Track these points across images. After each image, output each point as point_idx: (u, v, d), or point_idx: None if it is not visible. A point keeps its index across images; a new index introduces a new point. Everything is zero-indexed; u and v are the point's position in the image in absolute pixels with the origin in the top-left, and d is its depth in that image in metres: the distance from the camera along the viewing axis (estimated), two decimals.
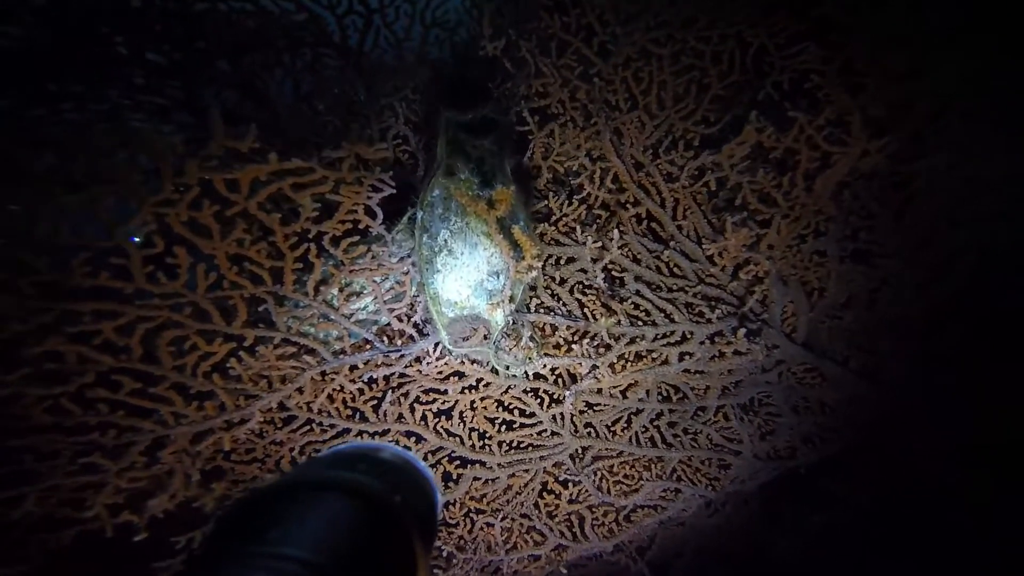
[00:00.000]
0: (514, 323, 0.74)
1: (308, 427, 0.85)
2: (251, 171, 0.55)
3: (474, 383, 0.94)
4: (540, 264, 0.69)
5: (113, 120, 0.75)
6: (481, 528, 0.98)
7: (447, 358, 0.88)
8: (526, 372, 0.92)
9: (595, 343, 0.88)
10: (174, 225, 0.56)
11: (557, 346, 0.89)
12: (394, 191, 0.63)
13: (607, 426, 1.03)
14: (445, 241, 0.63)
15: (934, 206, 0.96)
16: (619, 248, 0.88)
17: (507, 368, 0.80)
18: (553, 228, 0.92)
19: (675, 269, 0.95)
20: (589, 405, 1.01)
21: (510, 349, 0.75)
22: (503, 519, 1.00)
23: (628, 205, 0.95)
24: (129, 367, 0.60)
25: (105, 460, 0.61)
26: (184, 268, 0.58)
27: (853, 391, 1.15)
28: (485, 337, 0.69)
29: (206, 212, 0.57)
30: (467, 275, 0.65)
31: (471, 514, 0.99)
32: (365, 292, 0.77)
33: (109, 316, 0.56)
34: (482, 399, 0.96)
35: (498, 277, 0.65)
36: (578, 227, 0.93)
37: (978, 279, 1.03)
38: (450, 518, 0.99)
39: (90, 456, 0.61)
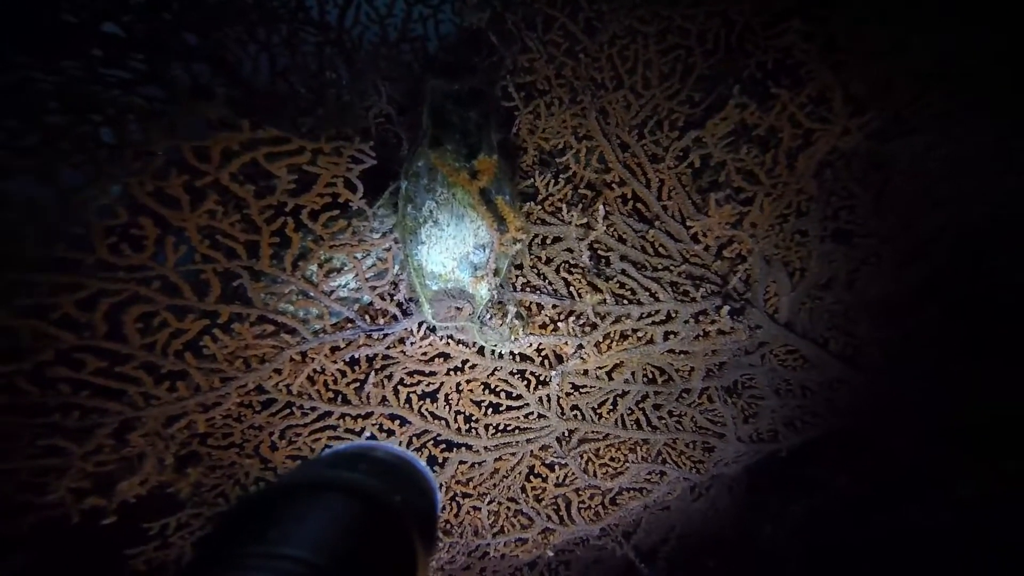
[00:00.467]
0: (499, 299, 0.74)
1: (288, 410, 0.83)
2: (222, 139, 0.54)
3: (459, 364, 0.94)
4: (525, 237, 0.69)
5: (67, 90, 0.72)
6: (468, 512, 0.99)
7: (431, 338, 0.88)
8: (512, 353, 0.92)
9: (581, 322, 0.88)
10: (138, 195, 0.54)
11: (543, 325, 0.90)
12: (375, 163, 0.62)
13: (593, 408, 1.05)
14: (430, 212, 0.63)
15: (914, 186, 0.99)
16: (605, 227, 0.89)
17: (493, 344, 0.80)
18: (539, 207, 0.92)
19: (660, 249, 0.96)
20: (575, 387, 1.02)
21: (495, 325, 0.75)
22: (490, 503, 1.00)
23: (614, 185, 0.96)
24: (93, 344, 0.58)
25: (68, 443, 0.58)
26: (151, 240, 0.57)
27: (833, 374, 1.18)
28: (470, 313, 0.68)
29: (174, 182, 0.55)
30: (452, 247, 0.65)
31: (457, 498, 1.00)
32: (346, 269, 0.76)
33: (67, 289, 0.54)
34: (468, 381, 0.96)
35: (484, 250, 0.65)
36: (564, 207, 0.93)
37: (955, 260, 1.07)
38: None
39: (51, 438, 0.59)
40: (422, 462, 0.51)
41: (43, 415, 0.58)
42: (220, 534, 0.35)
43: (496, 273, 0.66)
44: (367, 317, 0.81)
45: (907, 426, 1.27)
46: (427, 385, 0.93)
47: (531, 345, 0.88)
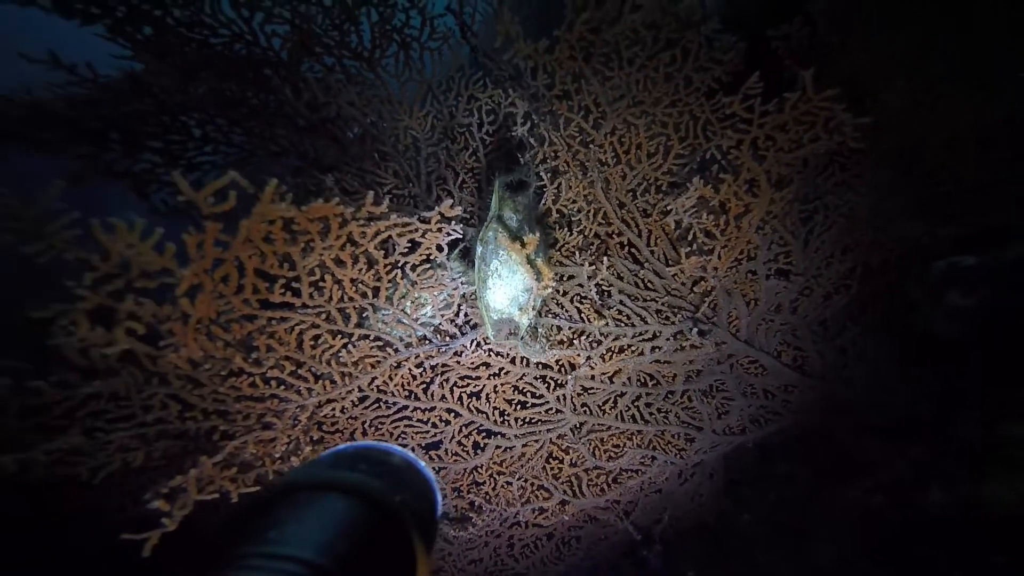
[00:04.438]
0: (534, 325, 1.20)
1: (376, 404, 1.26)
2: (380, 225, 0.99)
3: (497, 371, 1.38)
4: (553, 285, 1.15)
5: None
6: (502, 486, 1.42)
7: (479, 352, 1.32)
8: (537, 363, 1.37)
9: (590, 339, 1.34)
10: (327, 261, 0.98)
11: (561, 342, 1.35)
12: (460, 237, 1.07)
13: (599, 405, 1.50)
14: (496, 268, 1.08)
15: (830, 235, 1.48)
16: (607, 269, 1.36)
17: (530, 356, 1.25)
18: (558, 253, 1.39)
19: (648, 284, 1.43)
20: (585, 389, 1.47)
21: (532, 343, 1.20)
22: (518, 479, 1.44)
23: (614, 235, 1.43)
24: (289, 355, 1.00)
25: (275, 419, 1.00)
26: (329, 288, 1.00)
27: (786, 380, 1.66)
28: (514, 333, 1.13)
29: (347, 252, 0.99)
30: (508, 292, 1.10)
31: (494, 475, 1.43)
32: (427, 303, 1.20)
33: (284, 321, 0.96)
34: (502, 384, 1.40)
35: (527, 293, 1.10)
36: (577, 252, 1.39)
37: (864, 290, 1.57)
38: (478, 478, 1.42)
39: (266, 417, 1.01)
40: (422, 463, 0.56)
41: (262, 402, 0.99)
42: (222, 536, 0.38)
43: (533, 308, 1.12)
44: (438, 335, 1.26)
45: (844, 421, 1.75)
46: (474, 386, 1.37)
47: (553, 357, 1.33)
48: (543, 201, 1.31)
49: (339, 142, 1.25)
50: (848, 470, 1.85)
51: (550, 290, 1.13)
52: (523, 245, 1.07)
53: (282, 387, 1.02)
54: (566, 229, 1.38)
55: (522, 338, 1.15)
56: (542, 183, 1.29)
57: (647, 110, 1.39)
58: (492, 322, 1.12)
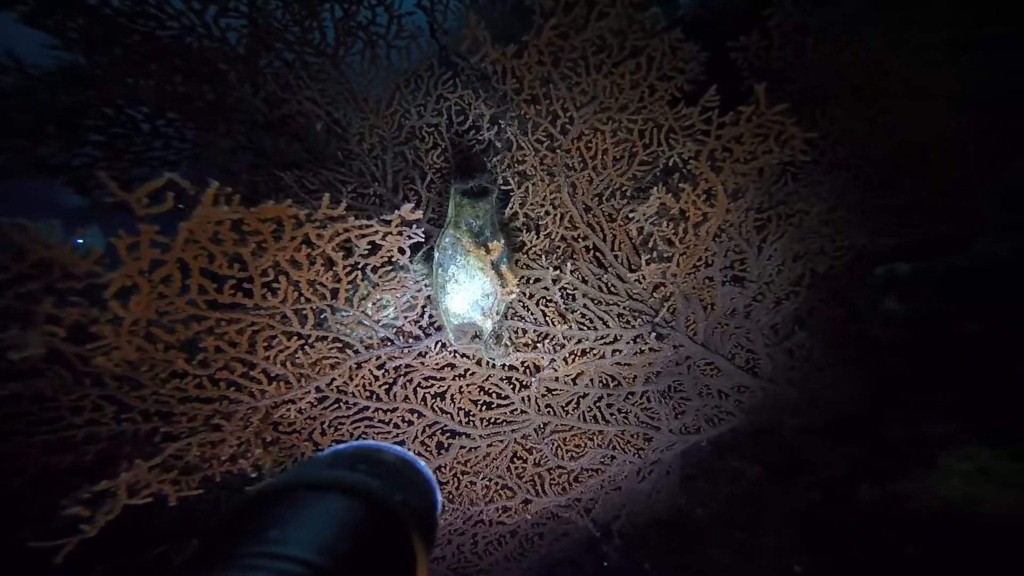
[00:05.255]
0: (498, 328, 1.20)
1: (336, 405, 1.24)
2: (338, 227, 0.96)
3: (462, 372, 1.38)
4: (518, 290, 1.16)
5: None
6: (466, 486, 1.43)
7: (444, 353, 1.32)
8: (503, 364, 1.38)
9: (553, 342, 1.36)
10: (282, 262, 0.95)
11: (526, 344, 1.37)
12: (422, 239, 1.06)
13: (562, 406, 1.53)
14: (453, 274, 1.08)
15: (781, 243, 1.56)
16: (572, 273, 1.38)
17: (494, 360, 1.26)
18: (524, 256, 1.40)
19: (611, 288, 1.46)
20: (549, 390, 1.49)
21: (495, 346, 1.21)
22: (482, 479, 1.45)
23: (580, 239, 1.45)
24: (241, 357, 0.97)
25: (223, 421, 0.97)
26: (284, 290, 0.97)
27: (739, 381, 1.74)
28: (477, 337, 1.14)
29: (303, 253, 0.97)
30: (467, 296, 1.10)
31: (458, 475, 1.44)
32: (389, 304, 1.19)
33: (235, 322, 0.93)
34: (468, 385, 1.40)
35: (488, 297, 1.11)
36: (542, 255, 1.41)
37: (812, 296, 1.67)
38: (442, 478, 1.42)
39: (214, 419, 0.97)
40: (422, 463, 0.56)
41: (210, 403, 0.96)
42: (219, 535, 0.37)
43: (497, 312, 1.12)
44: (400, 337, 1.25)
45: (794, 421, 1.86)
46: (438, 387, 1.37)
47: (518, 359, 1.34)
48: (510, 205, 1.31)
49: (301, 140, 1.21)
50: (793, 467, 1.97)
51: (515, 295, 1.14)
52: (487, 251, 1.07)
53: (232, 388, 0.99)
54: (532, 233, 1.39)
55: (485, 342, 1.16)
56: (508, 187, 1.29)
57: (613, 116, 1.41)
58: (453, 327, 1.12)
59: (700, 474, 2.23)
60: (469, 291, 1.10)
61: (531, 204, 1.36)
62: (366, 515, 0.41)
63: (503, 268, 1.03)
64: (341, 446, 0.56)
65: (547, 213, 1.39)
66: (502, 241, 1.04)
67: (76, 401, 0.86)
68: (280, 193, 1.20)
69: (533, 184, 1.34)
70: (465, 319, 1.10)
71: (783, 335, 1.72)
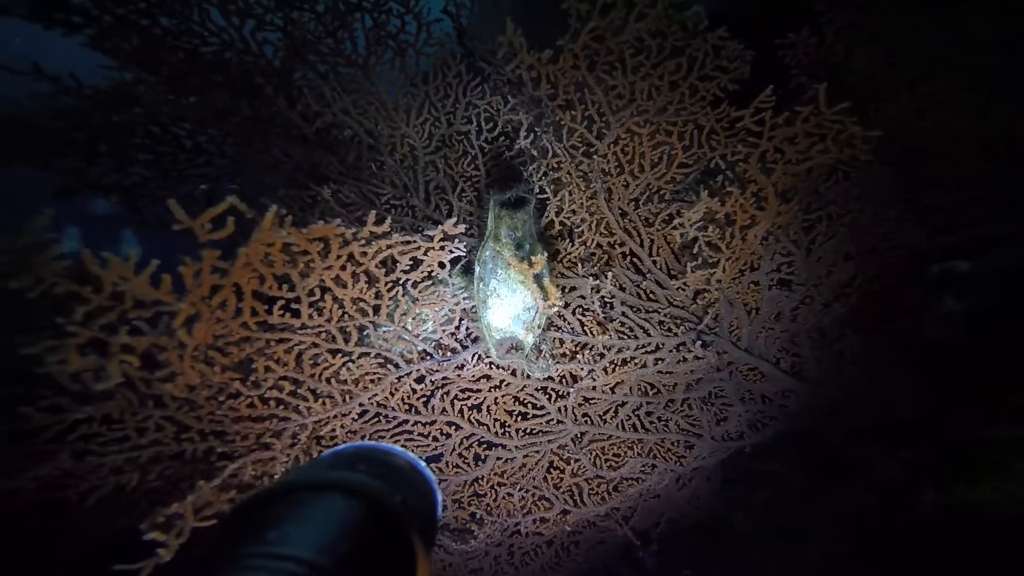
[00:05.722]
0: (539, 341, 1.18)
1: (376, 418, 1.25)
2: (382, 244, 0.96)
3: (498, 383, 1.37)
4: (560, 302, 1.13)
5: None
6: (503, 497, 1.42)
7: (480, 365, 1.31)
8: (541, 376, 1.37)
9: (593, 352, 1.34)
10: (327, 281, 0.96)
11: (564, 355, 1.35)
12: (463, 255, 1.05)
13: (600, 415, 1.50)
14: (495, 288, 1.06)
15: (832, 244, 1.48)
16: (610, 282, 1.34)
17: (534, 373, 1.24)
18: (560, 264, 1.37)
19: (651, 295, 1.42)
20: (586, 399, 1.47)
21: (536, 360, 1.19)
22: (520, 490, 1.44)
23: (616, 246, 1.41)
24: (289, 375, 0.98)
25: (274, 440, 0.98)
26: (329, 308, 0.98)
27: (784, 386, 1.68)
28: (519, 349, 1.12)
29: (347, 271, 0.97)
30: (509, 310, 1.09)
31: (495, 486, 1.43)
32: (428, 318, 1.18)
33: (284, 341, 0.94)
34: (503, 395, 1.39)
35: (529, 311, 1.09)
36: (579, 263, 1.38)
37: (863, 296, 1.59)
38: (479, 490, 1.42)
39: (265, 437, 0.99)
40: (422, 463, 0.56)
41: (260, 422, 0.98)
42: (221, 535, 0.37)
43: (539, 327, 1.11)
44: (439, 350, 1.24)
45: (840, 424, 1.78)
46: (474, 399, 1.36)
47: (557, 371, 1.32)
48: (545, 214, 1.29)
49: (335, 152, 1.21)
50: (841, 471, 1.89)
51: (556, 308, 1.12)
52: (530, 265, 1.05)
53: (281, 407, 1.00)
54: (567, 240, 1.36)
55: (527, 356, 1.14)
56: (543, 196, 1.26)
57: (651, 119, 1.37)
58: (494, 341, 1.10)
59: (738, 477, 2.17)
60: (511, 305, 1.08)
61: (566, 213, 1.33)
62: (366, 515, 0.41)
63: (546, 282, 1.01)
64: (342, 446, 0.56)
65: (583, 220, 1.36)
66: (545, 255, 1.01)
67: (141, 422, 0.88)
68: (317, 207, 1.20)
69: (569, 191, 1.31)
70: (507, 333, 1.09)
71: (832, 337, 1.64)
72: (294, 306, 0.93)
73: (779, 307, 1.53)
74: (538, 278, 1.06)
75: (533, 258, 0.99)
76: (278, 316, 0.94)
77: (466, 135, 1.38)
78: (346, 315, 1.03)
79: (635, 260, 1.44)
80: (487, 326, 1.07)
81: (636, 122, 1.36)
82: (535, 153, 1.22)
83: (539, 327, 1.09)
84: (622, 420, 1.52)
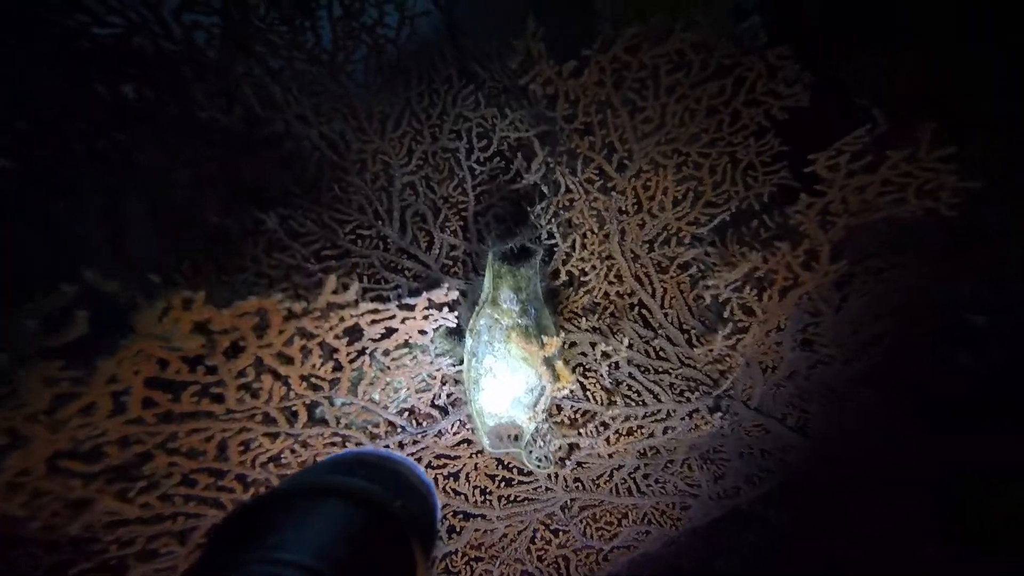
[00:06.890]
0: (542, 428, 0.98)
1: None
2: (344, 315, 0.73)
3: (479, 448, 1.17)
4: (575, 385, 0.93)
5: None
6: (480, 574, 1.25)
7: (462, 432, 1.10)
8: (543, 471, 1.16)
9: (596, 422, 1.15)
10: (265, 358, 0.72)
11: (561, 423, 1.15)
12: (454, 326, 0.82)
13: (592, 480, 1.33)
14: (490, 367, 0.85)
15: (862, 302, 1.33)
16: (626, 346, 1.14)
17: (536, 469, 1.04)
18: (560, 316, 1.16)
19: (661, 353, 1.24)
20: (579, 464, 1.29)
21: (539, 452, 0.99)
22: (500, 564, 1.26)
23: (624, 295, 1.21)
24: (206, 467, 0.75)
25: (174, 544, 0.75)
26: (267, 390, 0.74)
27: (787, 441, 1.55)
28: (517, 439, 0.92)
29: (296, 346, 0.73)
30: (507, 392, 0.88)
31: (471, 562, 1.25)
32: (401, 387, 0.96)
33: (199, 431, 0.70)
34: (485, 461, 1.20)
35: (532, 393, 0.88)
36: (582, 315, 1.17)
37: (887, 356, 1.46)
38: (452, 566, 1.23)
39: (160, 540, 0.76)
40: (421, 469, 0.55)
41: (157, 523, 0.74)
42: (218, 542, 0.37)
43: (543, 412, 0.90)
44: (413, 421, 1.03)
45: (839, 474, 1.68)
46: (452, 467, 1.16)
47: (555, 447, 1.13)
48: (552, 263, 1.07)
49: (288, 167, 0.95)
50: (835, 520, 1.81)
51: (568, 391, 0.92)
52: (541, 347, 0.84)
53: (191, 503, 0.77)
54: (571, 288, 1.15)
55: (526, 446, 0.94)
56: (552, 241, 1.04)
57: (680, 148, 1.15)
58: (487, 429, 0.89)
59: (727, 522, 2.08)
60: (510, 386, 0.87)
61: (575, 261, 1.11)
62: (365, 520, 0.41)
63: (561, 366, 0.80)
64: (342, 452, 0.56)
65: (593, 267, 1.15)
66: (560, 336, 0.80)
67: None
68: (259, 237, 0.94)
69: (582, 235, 1.09)
70: (503, 418, 0.88)
71: (843, 393, 1.51)
72: (215, 391, 0.70)
73: (796, 366, 1.38)
74: (551, 361, 0.85)
75: (546, 340, 0.78)
76: (191, 404, 0.70)
77: (454, 153, 1.13)
78: (292, 393, 0.80)
79: (644, 312, 1.25)
80: (479, 412, 0.86)
81: (662, 151, 1.14)
82: (545, 189, 0.99)
83: (543, 411, 0.88)
84: (616, 484, 1.35)
